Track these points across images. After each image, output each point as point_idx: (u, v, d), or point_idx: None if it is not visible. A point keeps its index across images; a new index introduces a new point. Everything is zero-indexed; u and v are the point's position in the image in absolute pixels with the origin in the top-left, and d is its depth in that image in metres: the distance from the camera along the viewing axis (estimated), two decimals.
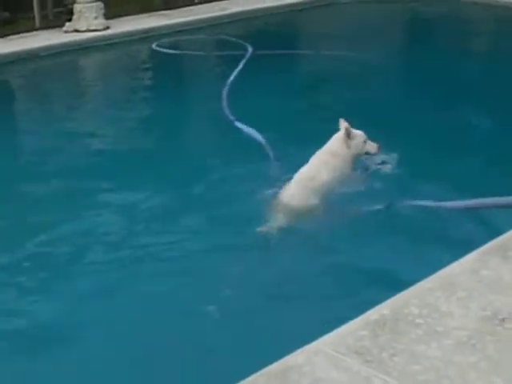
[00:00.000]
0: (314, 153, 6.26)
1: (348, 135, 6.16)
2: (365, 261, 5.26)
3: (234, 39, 12.83)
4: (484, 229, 5.45)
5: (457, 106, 8.59)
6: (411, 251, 5.39)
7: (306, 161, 6.21)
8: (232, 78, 10.12)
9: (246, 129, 7.89)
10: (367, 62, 10.98)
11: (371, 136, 6.36)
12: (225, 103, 8.88)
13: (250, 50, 11.76)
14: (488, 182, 6.38)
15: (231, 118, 8.33)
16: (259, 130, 7.75)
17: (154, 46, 12.67)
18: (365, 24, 14.30)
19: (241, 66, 10.82)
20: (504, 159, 6.98)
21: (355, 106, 8.43)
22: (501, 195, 5.91)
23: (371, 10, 15.44)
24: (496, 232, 4.66)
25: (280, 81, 10.18)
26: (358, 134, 6.26)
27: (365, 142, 6.28)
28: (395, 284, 4.26)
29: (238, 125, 8.06)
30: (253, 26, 14.57)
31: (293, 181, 6.08)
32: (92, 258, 5.60)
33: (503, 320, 3.60)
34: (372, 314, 3.69)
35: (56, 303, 4.99)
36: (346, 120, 6.23)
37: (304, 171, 6.11)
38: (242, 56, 11.38)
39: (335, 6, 15.79)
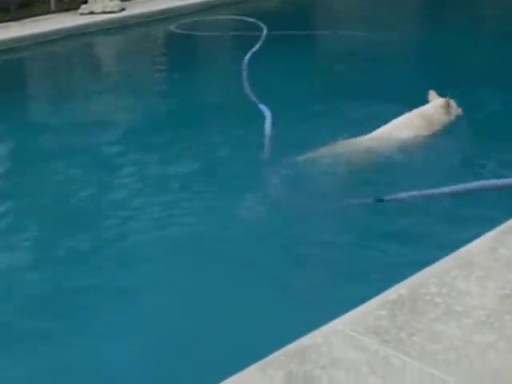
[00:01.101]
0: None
1: (448, 105, 6.98)
2: (382, 241, 5.25)
3: (250, 19, 12.77)
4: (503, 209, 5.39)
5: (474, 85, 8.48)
6: (429, 233, 5.33)
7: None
8: (248, 58, 10.08)
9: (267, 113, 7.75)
10: (384, 41, 10.88)
11: None
12: (245, 84, 8.84)
13: (266, 30, 11.70)
14: None
15: (254, 100, 8.24)
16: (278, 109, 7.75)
17: (172, 27, 12.63)
18: (380, 2, 14.23)
19: (257, 47, 10.77)
20: None
21: (373, 86, 8.44)
22: None
23: None
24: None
25: (296, 61, 10.11)
26: (454, 104, 7.05)
27: (456, 109, 7.09)
28: (413, 264, 4.24)
29: (262, 108, 7.93)
30: (268, 5, 14.49)
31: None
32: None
33: None
34: (390, 294, 3.68)
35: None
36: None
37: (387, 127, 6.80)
38: (259, 37, 11.32)
39: None
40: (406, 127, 6.79)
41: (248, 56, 10.22)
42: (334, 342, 3.29)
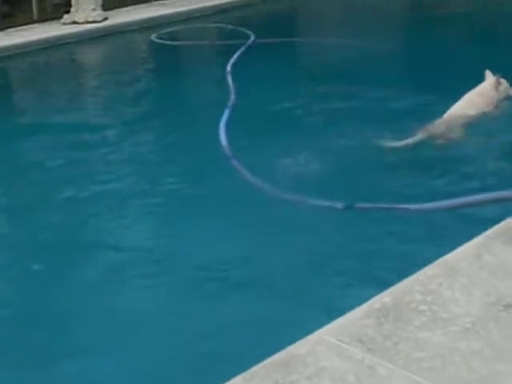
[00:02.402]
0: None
1: (498, 82, 7.66)
2: (365, 249, 5.21)
3: (233, 27, 12.78)
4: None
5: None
6: (414, 240, 5.31)
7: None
8: (230, 66, 10.06)
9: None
10: (368, 49, 10.91)
11: None
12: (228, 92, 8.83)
13: (251, 38, 11.70)
14: None
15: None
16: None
17: (153, 37, 12.62)
18: (362, 10, 14.30)
19: (240, 54, 10.76)
20: None
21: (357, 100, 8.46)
22: None
23: None
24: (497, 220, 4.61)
25: (280, 69, 10.11)
26: (505, 82, 7.74)
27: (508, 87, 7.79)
28: (398, 271, 4.22)
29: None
30: (251, 13, 14.52)
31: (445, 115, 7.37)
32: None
33: (507, 306, 3.58)
34: (375, 302, 3.67)
35: None
36: None
37: (455, 108, 7.44)
38: (243, 44, 11.32)
39: None
40: (469, 106, 7.48)
41: (231, 63, 10.20)
42: (319, 352, 3.27)
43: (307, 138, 7.39)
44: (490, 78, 7.81)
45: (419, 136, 6.94)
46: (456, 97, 7.63)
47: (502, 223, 4.50)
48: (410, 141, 6.87)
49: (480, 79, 7.85)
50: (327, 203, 5.72)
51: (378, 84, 9.03)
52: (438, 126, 7.22)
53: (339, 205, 5.68)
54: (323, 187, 6.19)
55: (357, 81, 9.30)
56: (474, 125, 7.27)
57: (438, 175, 6.37)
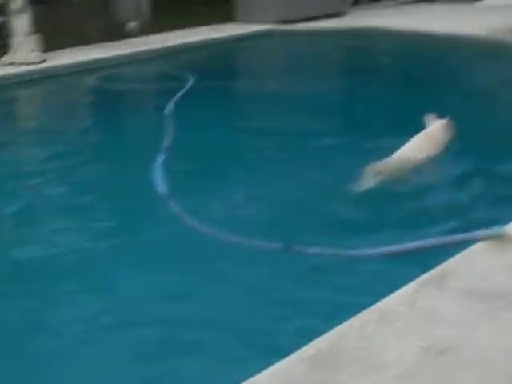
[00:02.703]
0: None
1: (446, 125, 7.79)
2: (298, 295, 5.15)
3: (173, 71, 12.79)
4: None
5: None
6: (350, 285, 5.27)
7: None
8: (168, 109, 10.04)
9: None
10: (304, 94, 11.05)
11: None
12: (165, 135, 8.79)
13: (191, 81, 11.71)
14: None
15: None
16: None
17: (92, 79, 12.54)
18: (301, 55, 14.55)
19: (179, 97, 10.75)
20: None
21: (293, 143, 8.50)
22: None
23: (307, 41, 15.65)
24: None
25: (217, 113, 10.12)
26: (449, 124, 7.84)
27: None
28: (333, 316, 4.19)
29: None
30: (193, 58, 14.58)
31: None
32: None
33: (441, 351, 3.58)
34: (310, 348, 3.63)
35: None
36: None
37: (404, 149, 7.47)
38: (182, 88, 11.32)
39: (272, 36, 15.91)
40: (418, 149, 7.51)
41: (169, 106, 10.17)
42: None
43: (244, 178, 7.39)
44: (436, 121, 7.91)
45: (375, 175, 6.92)
46: (399, 137, 7.68)
47: (435, 269, 4.52)
48: (371, 182, 6.84)
49: (416, 122, 7.90)
50: (265, 244, 5.67)
51: (315, 126, 9.16)
52: (388, 165, 7.23)
53: (277, 246, 5.64)
54: (261, 228, 6.14)
55: (295, 123, 9.38)
56: (422, 166, 7.33)
57: (382, 218, 6.40)
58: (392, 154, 7.35)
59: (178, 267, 5.58)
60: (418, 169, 7.27)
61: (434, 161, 7.46)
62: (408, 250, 5.34)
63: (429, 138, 7.69)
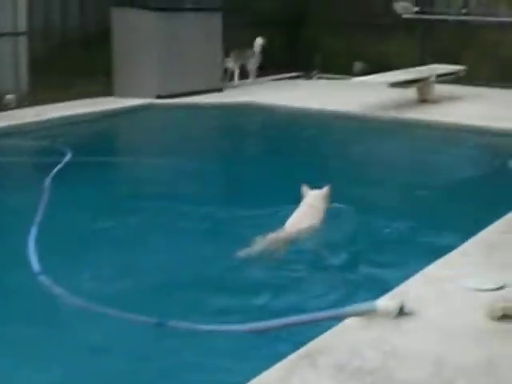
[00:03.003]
0: None
1: (327, 193, 8.03)
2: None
3: (51, 145, 12.60)
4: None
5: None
6: (225, 362, 5.19)
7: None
8: (44, 184, 9.88)
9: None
10: (185, 168, 11.15)
11: None
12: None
13: (68, 155, 11.58)
14: None
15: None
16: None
17: None
18: (183, 129, 14.76)
19: (56, 172, 10.61)
20: None
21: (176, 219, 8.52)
22: None
23: (185, 115, 15.80)
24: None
25: (93, 188, 10.04)
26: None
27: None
28: None
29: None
30: (71, 131, 14.39)
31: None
32: None
33: None
34: None
35: None
36: None
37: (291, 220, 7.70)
38: (59, 162, 11.16)
39: (151, 110, 16.00)
40: (305, 219, 7.73)
41: (46, 181, 10.02)
42: None
43: (123, 254, 7.36)
44: (314, 190, 8.07)
45: (262, 244, 7.04)
46: (277, 207, 8.03)
47: (308, 345, 4.58)
48: (257, 248, 6.97)
49: (294, 191, 8.14)
50: (140, 319, 5.60)
51: (199, 200, 9.34)
52: (278, 237, 7.36)
53: (152, 321, 5.56)
54: (138, 302, 6.09)
55: (176, 197, 9.50)
56: (307, 236, 7.57)
57: (267, 291, 6.44)
58: (278, 224, 7.53)
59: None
60: (303, 239, 7.50)
61: (316, 229, 7.70)
62: (277, 326, 5.36)
63: (311, 209, 7.90)
